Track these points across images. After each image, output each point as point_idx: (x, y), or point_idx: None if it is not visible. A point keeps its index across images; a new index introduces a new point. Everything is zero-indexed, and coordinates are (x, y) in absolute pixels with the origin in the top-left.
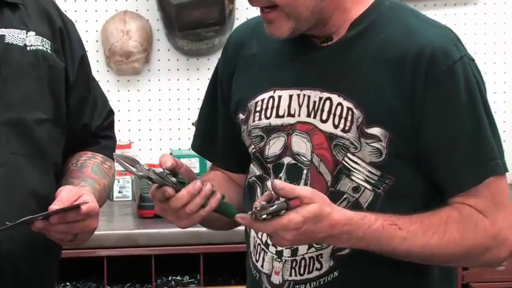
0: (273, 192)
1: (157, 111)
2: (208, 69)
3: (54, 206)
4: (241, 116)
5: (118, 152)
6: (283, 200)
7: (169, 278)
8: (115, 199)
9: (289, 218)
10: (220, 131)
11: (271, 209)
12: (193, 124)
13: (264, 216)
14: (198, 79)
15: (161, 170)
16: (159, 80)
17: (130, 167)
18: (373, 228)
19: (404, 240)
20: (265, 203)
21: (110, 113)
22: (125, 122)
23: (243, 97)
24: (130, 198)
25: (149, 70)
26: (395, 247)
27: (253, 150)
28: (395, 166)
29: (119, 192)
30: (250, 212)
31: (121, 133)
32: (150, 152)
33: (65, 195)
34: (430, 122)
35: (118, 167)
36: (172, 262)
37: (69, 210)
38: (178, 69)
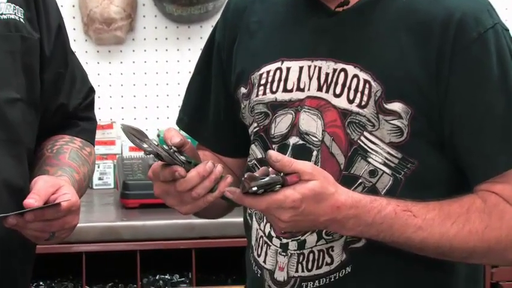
0: (270, 168)
1: (142, 87)
2: (201, 38)
3: (29, 200)
4: (243, 90)
5: (124, 123)
6: (280, 174)
7: (157, 277)
8: (94, 187)
9: (285, 194)
10: (212, 108)
11: (262, 180)
12: None
13: (255, 188)
14: (189, 49)
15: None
16: (145, 50)
17: (137, 140)
18: (384, 214)
19: (419, 229)
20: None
21: (91, 91)
22: (106, 98)
23: (246, 68)
24: (112, 186)
25: (133, 39)
26: (409, 236)
27: (255, 129)
28: (418, 148)
29: (100, 179)
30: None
31: (101, 111)
32: None
33: (41, 187)
34: (455, 97)
35: (98, 150)
36: (160, 258)
37: (48, 208)
38: (166, 39)
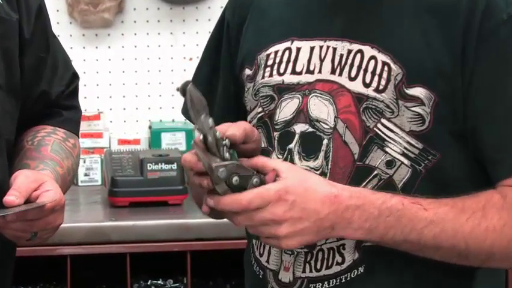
0: None
1: (132, 74)
2: (197, 20)
3: (10, 197)
4: (248, 72)
5: (192, 86)
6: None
7: (148, 282)
8: (80, 184)
9: (266, 187)
10: (220, 93)
11: (229, 162)
12: (177, 90)
13: (223, 172)
14: (184, 33)
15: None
16: (135, 34)
17: (193, 112)
18: (390, 204)
19: (430, 223)
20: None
21: (74, 77)
22: (93, 87)
23: (252, 48)
24: (99, 183)
25: (122, 22)
26: (421, 232)
27: (260, 114)
28: (441, 138)
29: (86, 175)
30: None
31: (87, 101)
32: (124, 125)
33: (22, 183)
34: (480, 85)
35: (83, 143)
36: (152, 262)
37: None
38: (158, 21)
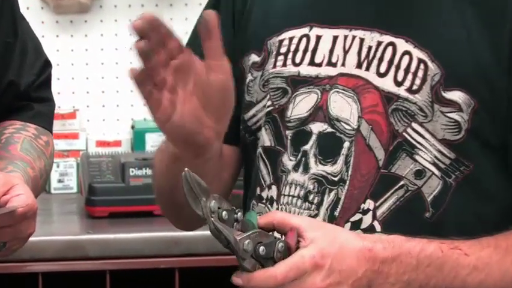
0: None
1: (113, 66)
2: (186, 5)
3: None
4: (254, 58)
5: (189, 172)
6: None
7: None
8: (53, 191)
9: (299, 254)
10: None
11: (249, 232)
12: None
13: (248, 244)
14: (171, 19)
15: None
16: (116, 20)
17: (190, 196)
18: (429, 252)
19: (474, 270)
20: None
21: (46, 65)
22: (68, 80)
23: (261, 31)
24: (75, 190)
25: (101, 6)
26: (464, 280)
27: (269, 109)
28: (475, 149)
29: (60, 181)
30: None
31: (61, 97)
32: (102, 124)
33: None
34: None
35: (57, 145)
36: (136, 280)
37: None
38: (142, 5)
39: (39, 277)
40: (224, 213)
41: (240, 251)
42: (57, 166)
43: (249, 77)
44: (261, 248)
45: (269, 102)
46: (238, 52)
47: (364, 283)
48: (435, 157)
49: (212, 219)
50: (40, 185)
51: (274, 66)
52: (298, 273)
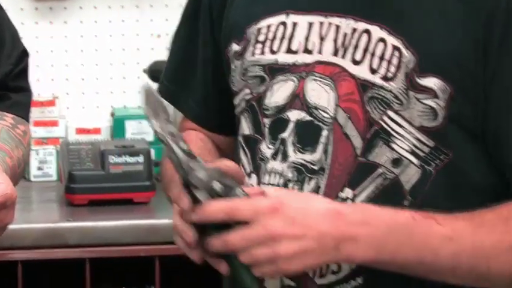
0: None
1: (92, 53)
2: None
3: None
4: (235, 47)
5: (150, 86)
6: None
7: None
8: (32, 179)
9: (258, 198)
10: (199, 70)
11: (208, 166)
12: (144, 71)
13: (202, 175)
14: (151, 6)
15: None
16: (95, 7)
17: (152, 117)
18: (400, 219)
19: (448, 240)
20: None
21: (24, 54)
22: (47, 68)
23: (241, 20)
24: (54, 178)
25: None
26: (437, 249)
27: (247, 97)
28: (454, 137)
29: (39, 169)
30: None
31: (40, 84)
32: (82, 112)
33: None
34: (506, 78)
35: (36, 133)
36: (115, 268)
37: None
38: None
39: (19, 265)
40: (185, 144)
41: (194, 178)
42: (37, 154)
43: (232, 67)
44: (218, 185)
45: (248, 91)
46: (223, 41)
47: (330, 242)
48: (414, 145)
49: (169, 139)
50: (18, 175)
51: (253, 54)
52: (254, 213)
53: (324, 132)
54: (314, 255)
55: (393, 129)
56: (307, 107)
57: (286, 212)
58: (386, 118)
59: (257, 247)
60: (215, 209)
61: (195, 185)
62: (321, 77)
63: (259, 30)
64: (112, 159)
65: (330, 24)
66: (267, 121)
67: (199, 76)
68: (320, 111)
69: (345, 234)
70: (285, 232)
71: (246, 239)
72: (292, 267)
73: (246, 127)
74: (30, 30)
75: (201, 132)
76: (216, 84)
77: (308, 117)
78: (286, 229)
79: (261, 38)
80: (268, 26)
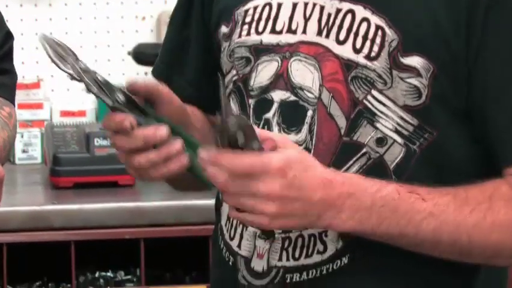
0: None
1: (77, 35)
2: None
3: None
4: (224, 29)
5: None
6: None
7: (96, 275)
8: (17, 161)
9: (269, 156)
10: (193, 52)
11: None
12: (128, 53)
13: (234, 128)
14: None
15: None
16: None
17: (53, 57)
18: (384, 193)
19: (429, 215)
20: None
21: (8, 37)
22: (32, 50)
23: (229, 2)
24: (39, 161)
25: None
26: (418, 225)
27: (234, 78)
28: (438, 115)
29: (24, 151)
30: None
31: (25, 67)
32: (67, 95)
33: None
34: (489, 58)
35: (21, 115)
36: (100, 251)
37: None
38: None
39: (4, 248)
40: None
41: (224, 127)
42: (22, 136)
43: (221, 49)
44: (242, 136)
45: (234, 72)
46: (214, 24)
47: (314, 211)
48: (398, 124)
49: (83, 75)
50: (4, 157)
51: (240, 36)
52: (262, 171)
53: (309, 113)
54: (296, 218)
55: (377, 109)
56: (292, 87)
57: (290, 174)
58: (370, 97)
59: (250, 199)
60: (231, 159)
61: (221, 131)
62: (305, 57)
63: (246, 11)
64: (97, 141)
65: (314, 4)
66: (251, 102)
67: (192, 58)
68: (305, 92)
69: (331, 205)
70: (282, 194)
71: (246, 189)
72: (273, 224)
73: (234, 108)
74: (14, 13)
75: (197, 109)
76: (208, 67)
77: (293, 98)
78: (284, 191)
79: (248, 19)
80: (255, 8)
